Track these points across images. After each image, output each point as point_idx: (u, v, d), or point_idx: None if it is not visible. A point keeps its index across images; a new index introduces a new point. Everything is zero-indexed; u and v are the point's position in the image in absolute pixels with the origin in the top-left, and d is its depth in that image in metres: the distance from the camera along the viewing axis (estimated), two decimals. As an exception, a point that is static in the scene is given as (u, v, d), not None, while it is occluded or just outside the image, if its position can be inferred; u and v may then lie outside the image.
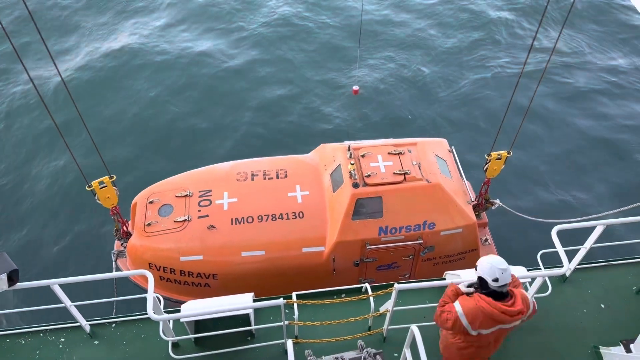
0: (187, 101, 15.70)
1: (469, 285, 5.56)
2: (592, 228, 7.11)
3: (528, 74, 15.50)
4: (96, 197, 8.69)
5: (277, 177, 9.70)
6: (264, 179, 9.70)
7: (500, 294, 5.26)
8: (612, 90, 16.34)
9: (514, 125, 9.03)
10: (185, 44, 17.63)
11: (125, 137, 14.65)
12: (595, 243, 7.26)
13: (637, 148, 14.59)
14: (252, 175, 9.74)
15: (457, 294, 5.59)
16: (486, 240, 10.29)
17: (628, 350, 6.72)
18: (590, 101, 15.94)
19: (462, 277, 6.88)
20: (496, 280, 5.18)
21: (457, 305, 5.33)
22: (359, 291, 7.79)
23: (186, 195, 9.51)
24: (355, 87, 9.42)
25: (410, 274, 9.65)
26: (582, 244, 7.47)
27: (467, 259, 9.59)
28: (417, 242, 9.00)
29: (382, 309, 7.22)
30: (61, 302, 6.63)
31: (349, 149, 9.36)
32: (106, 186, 8.60)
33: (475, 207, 9.84)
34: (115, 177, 8.66)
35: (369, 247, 8.89)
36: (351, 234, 8.83)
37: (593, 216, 9.47)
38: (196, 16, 18.83)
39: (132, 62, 16.77)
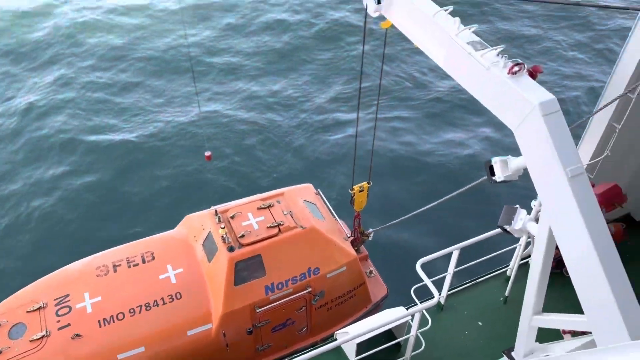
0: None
1: None
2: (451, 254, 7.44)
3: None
4: None
5: (144, 262, 8.85)
6: (129, 267, 8.78)
7: None
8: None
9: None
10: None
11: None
12: (456, 267, 7.65)
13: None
14: (114, 266, 8.76)
15: None
16: (371, 272, 10.39)
17: (511, 359, 7.00)
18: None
19: (352, 333, 6.78)
20: None
21: None
22: None
23: (39, 308, 8.22)
24: (208, 153, 9.07)
25: (307, 327, 9.28)
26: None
27: (357, 295, 9.53)
28: (306, 291, 8.74)
29: None
30: None
31: (216, 214, 8.93)
32: None
33: (352, 242, 9.93)
34: None
35: (259, 310, 8.39)
36: (237, 301, 8.27)
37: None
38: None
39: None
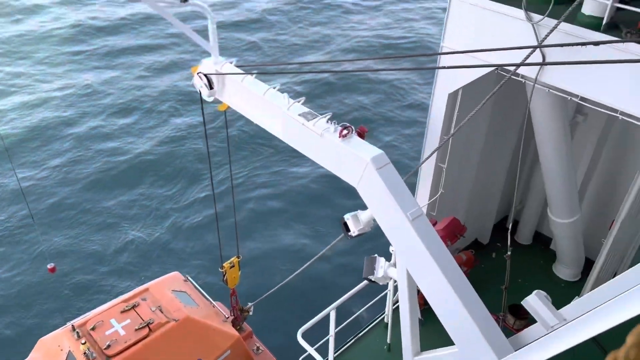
0: None
1: None
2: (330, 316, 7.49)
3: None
4: None
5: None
6: None
7: None
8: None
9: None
10: None
11: None
12: (336, 327, 7.69)
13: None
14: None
15: None
16: (258, 349, 10.01)
17: None
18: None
19: None
20: None
21: None
22: None
23: None
24: (50, 265, 8.18)
25: None
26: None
27: (249, 377, 9.12)
28: (192, 388, 8.12)
29: None
30: None
31: (73, 329, 8.05)
32: None
33: (233, 322, 9.56)
34: None
35: None
36: (114, 421, 7.38)
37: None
38: None
39: None
